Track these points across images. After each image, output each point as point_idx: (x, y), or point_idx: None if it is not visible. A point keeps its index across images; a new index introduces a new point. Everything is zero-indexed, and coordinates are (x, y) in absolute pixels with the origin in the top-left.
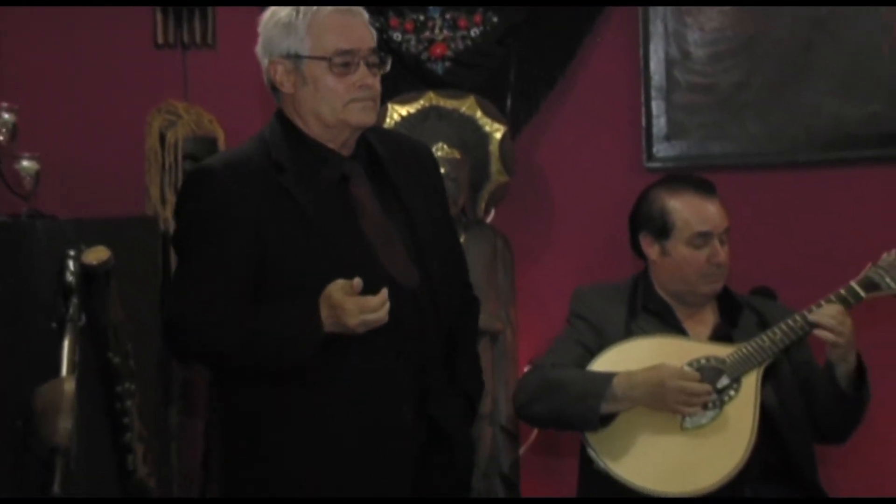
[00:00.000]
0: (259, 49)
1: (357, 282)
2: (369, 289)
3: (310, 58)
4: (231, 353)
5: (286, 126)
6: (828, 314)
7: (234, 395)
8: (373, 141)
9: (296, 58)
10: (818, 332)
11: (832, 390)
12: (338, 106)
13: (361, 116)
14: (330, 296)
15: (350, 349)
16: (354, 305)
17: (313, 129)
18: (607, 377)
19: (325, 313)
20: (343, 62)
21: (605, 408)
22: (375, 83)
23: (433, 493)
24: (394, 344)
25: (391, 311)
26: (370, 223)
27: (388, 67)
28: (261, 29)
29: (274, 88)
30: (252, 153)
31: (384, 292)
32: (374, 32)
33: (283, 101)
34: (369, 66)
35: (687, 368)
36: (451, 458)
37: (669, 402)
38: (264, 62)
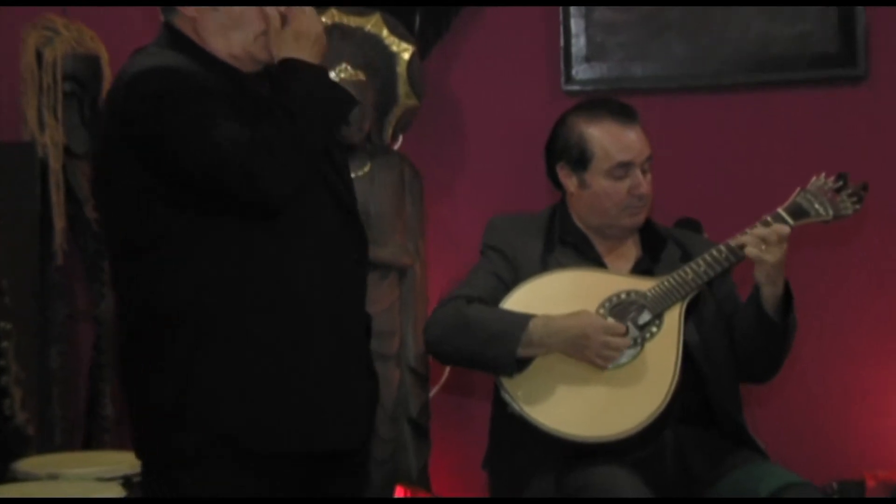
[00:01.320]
0: None
1: None
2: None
3: None
4: None
5: (192, 48)
6: (752, 233)
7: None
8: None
9: None
10: (747, 251)
11: (757, 315)
12: (249, 39)
13: (263, 55)
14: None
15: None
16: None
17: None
18: (524, 320)
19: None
20: None
21: (522, 352)
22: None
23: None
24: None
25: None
26: None
27: None
28: None
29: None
30: (181, 64)
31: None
32: None
33: (183, 25)
34: None
35: (612, 321)
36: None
37: (589, 354)
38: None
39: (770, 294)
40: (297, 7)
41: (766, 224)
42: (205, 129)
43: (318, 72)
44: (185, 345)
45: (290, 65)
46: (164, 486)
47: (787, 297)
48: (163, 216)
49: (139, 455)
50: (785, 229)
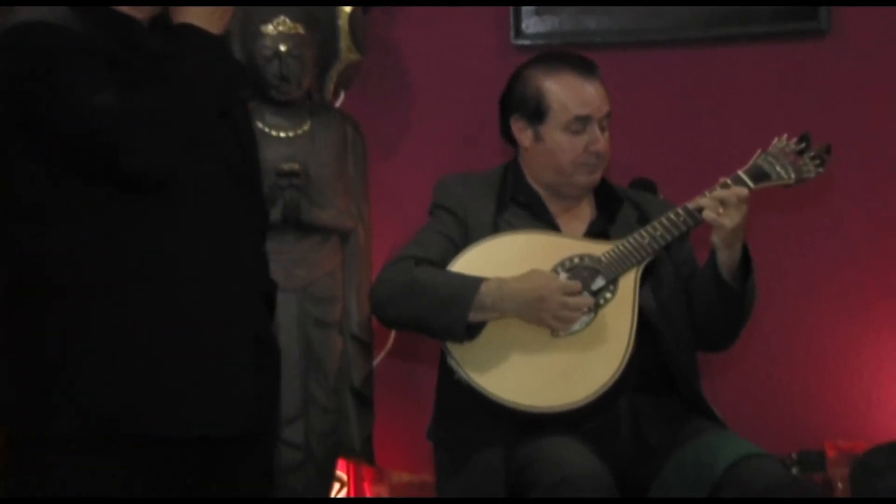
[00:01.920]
0: None
1: None
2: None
3: None
4: None
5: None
6: (711, 196)
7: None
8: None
9: None
10: (704, 215)
11: (714, 280)
12: None
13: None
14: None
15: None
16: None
17: None
18: (476, 283)
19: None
20: None
21: (473, 317)
22: None
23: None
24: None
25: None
26: None
27: None
28: None
29: None
30: (63, 19)
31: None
32: None
33: None
34: None
35: (568, 279)
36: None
37: (546, 317)
38: None
39: (727, 259)
40: None
41: (726, 186)
42: (80, 94)
43: (212, 41)
44: (61, 319)
45: (184, 30)
46: (35, 470)
47: (745, 263)
48: (42, 181)
49: (10, 437)
50: (744, 192)
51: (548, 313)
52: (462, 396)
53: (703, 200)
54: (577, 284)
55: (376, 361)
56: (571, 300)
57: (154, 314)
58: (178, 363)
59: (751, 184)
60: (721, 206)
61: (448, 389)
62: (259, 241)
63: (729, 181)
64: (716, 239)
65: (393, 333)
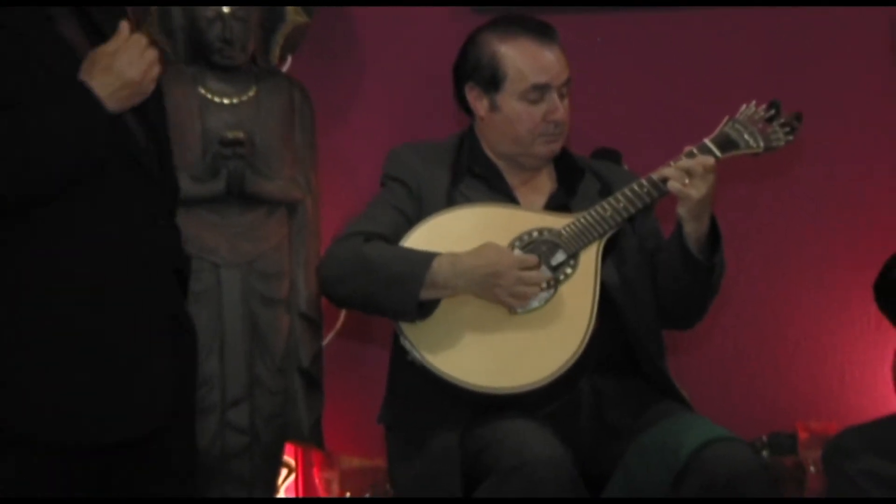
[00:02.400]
0: None
1: None
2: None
3: None
4: None
5: None
6: (676, 165)
7: None
8: None
9: None
10: (669, 185)
11: (681, 254)
12: None
13: None
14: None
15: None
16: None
17: None
18: (428, 259)
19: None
20: None
21: (425, 295)
22: None
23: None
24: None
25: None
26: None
27: None
28: None
29: None
30: None
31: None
32: None
33: None
34: None
35: (522, 253)
36: None
37: (501, 294)
38: None
39: (694, 231)
40: (136, 41)
41: (691, 155)
42: None
43: (92, 112)
44: None
45: (76, 84)
46: None
47: (713, 235)
48: None
49: None
50: (710, 161)
51: (503, 289)
52: (415, 378)
53: (667, 170)
54: (532, 258)
55: (325, 341)
56: (527, 275)
57: (54, 318)
58: (83, 367)
59: (718, 153)
60: (687, 175)
61: (401, 370)
62: (169, 217)
63: (695, 150)
64: (682, 210)
65: (343, 312)
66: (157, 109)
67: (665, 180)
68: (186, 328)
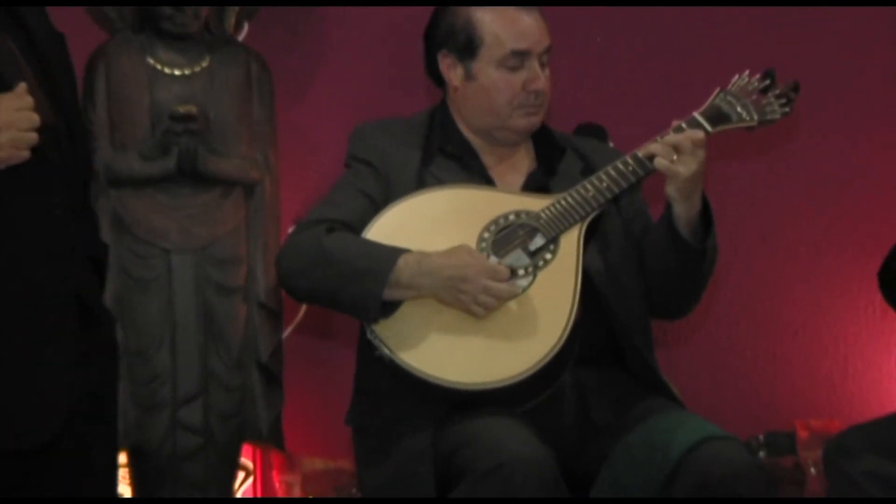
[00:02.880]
0: None
1: None
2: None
3: None
4: None
5: None
6: (664, 141)
7: None
8: None
9: None
10: (656, 163)
11: (670, 237)
12: None
13: None
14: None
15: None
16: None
17: None
18: (393, 257)
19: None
20: None
21: (388, 294)
22: None
23: None
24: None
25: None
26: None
27: None
28: None
29: None
30: None
31: None
32: None
33: None
34: None
35: (495, 261)
36: None
37: (465, 300)
38: None
39: (684, 212)
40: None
41: (680, 130)
42: None
43: None
44: None
45: None
46: None
47: (705, 217)
48: None
49: None
50: (700, 135)
51: (468, 295)
52: (384, 375)
53: (654, 147)
54: (504, 270)
55: (286, 333)
56: (496, 286)
57: None
58: None
59: (708, 127)
60: (675, 152)
61: (368, 367)
62: (81, 200)
63: (684, 124)
64: (671, 190)
65: (304, 304)
66: (69, 84)
67: (651, 157)
68: (103, 320)
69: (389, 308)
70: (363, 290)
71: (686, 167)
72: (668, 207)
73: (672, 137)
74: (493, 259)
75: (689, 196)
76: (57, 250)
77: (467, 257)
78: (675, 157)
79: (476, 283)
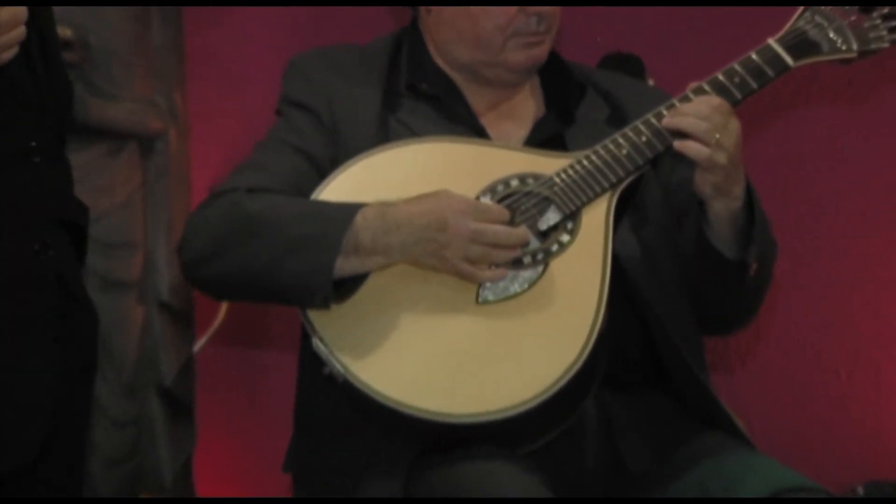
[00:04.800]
0: None
1: None
2: None
3: None
4: None
5: None
6: (692, 110)
7: None
8: None
9: None
10: (677, 145)
11: (701, 247)
12: None
13: None
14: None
15: None
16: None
17: None
18: (347, 212)
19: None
20: None
21: (344, 266)
22: None
23: None
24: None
25: None
26: None
27: None
28: None
29: None
30: None
31: None
32: None
33: None
34: None
35: (485, 199)
36: None
37: (452, 258)
38: None
39: (725, 211)
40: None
41: (751, 68)
42: None
43: None
44: None
45: None
46: None
47: (751, 213)
48: None
49: None
50: (716, 100)
51: (453, 249)
52: (336, 400)
53: (676, 122)
54: (501, 209)
55: (198, 345)
56: (492, 228)
57: None
58: None
59: (789, 60)
60: (705, 123)
61: (313, 392)
62: (52, 149)
63: (754, 55)
64: (701, 186)
65: (223, 305)
66: (48, 29)
67: (673, 132)
68: (82, 305)
69: (346, 289)
70: (307, 262)
71: (722, 151)
72: (700, 207)
73: (690, 123)
74: (488, 201)
75: (726, 191)
76: (33, 213)
77: (445, 198)
78: (717, 136)
79: (461, 228)
